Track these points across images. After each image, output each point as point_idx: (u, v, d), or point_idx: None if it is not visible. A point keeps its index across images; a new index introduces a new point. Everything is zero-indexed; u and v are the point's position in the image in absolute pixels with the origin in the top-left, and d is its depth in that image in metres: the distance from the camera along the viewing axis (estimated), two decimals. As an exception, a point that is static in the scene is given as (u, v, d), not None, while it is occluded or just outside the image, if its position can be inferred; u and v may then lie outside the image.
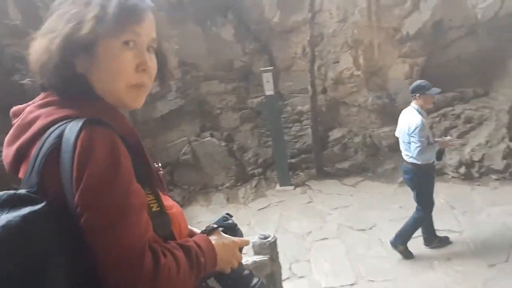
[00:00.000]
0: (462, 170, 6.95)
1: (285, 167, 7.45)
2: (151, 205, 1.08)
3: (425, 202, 4.84)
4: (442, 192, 6.39)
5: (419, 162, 4.63)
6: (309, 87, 7.31)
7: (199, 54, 8.11)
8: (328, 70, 8.06)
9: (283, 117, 8.11)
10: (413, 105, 4.75)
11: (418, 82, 4.82)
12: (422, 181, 4.76)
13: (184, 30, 7.69)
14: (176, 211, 1.22)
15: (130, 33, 1.08)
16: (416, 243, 5.06)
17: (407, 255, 4.97)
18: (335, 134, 8.03)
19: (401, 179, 7.00)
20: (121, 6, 1.06)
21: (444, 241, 5.19)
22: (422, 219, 4.92)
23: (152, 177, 1.14)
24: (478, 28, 7.72)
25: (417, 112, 4.67)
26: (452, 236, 5.28)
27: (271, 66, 7.65)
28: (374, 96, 7.84)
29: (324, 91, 8.12)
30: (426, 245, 5.12)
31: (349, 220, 6.08)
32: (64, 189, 0.96)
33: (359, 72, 7.81)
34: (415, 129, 4.53)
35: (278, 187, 7.44)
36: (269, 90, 7.09)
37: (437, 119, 7.65)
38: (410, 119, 4.64)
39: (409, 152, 4.68)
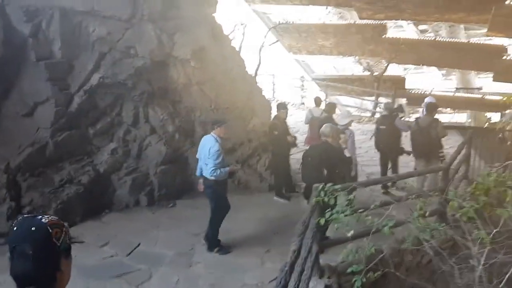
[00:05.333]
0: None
1: None
2: None
3: (223, 206, 6.26)
4: None
5: (217, 179, 5.98)
6: None
7: None
8: None
9: None
10: (213, 134, 6.05)
11: (219, 117, 6.51)
12: (220, 192, 6.21)
13: None
14: None
15: None
16: None
17: (225, 250, 6.33)
18: None
19: None
20: None
21: (225, 250, 6.35)
22: (218, 219, 6.27)
23: None
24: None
25: (215, 140, 5.95)
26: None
27: None
28: None
29: None
30: (209, 250, 6.30)
31: None
32: None
33: None
34: (214, 153, 5.84)
35: None
36: None
37: None
38: (210, 145, 5.91)
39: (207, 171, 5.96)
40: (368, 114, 17.30)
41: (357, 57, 19.19)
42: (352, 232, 3.78)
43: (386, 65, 17.95)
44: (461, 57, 18.03)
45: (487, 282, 3.28)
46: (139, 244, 6.60)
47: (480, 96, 18.27)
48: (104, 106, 8.45)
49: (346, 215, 3.76)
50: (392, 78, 19.41)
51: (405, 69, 24.74)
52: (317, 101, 10.59)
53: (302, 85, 19.77)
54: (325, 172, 6.06)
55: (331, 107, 9.61)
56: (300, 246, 4.07)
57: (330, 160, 6.17)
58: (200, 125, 9.08)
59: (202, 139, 6.28)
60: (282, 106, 8.77)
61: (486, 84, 20.67)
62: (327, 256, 5.72)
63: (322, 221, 4.20)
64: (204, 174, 6.20)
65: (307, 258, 4.39)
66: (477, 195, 3.41)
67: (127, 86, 8.34)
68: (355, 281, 3.62)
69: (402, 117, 9.47)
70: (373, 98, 17.97)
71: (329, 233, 5.85)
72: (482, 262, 3.25)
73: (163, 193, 8.35)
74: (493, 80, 17.79)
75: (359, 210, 3.96)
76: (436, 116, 8.28)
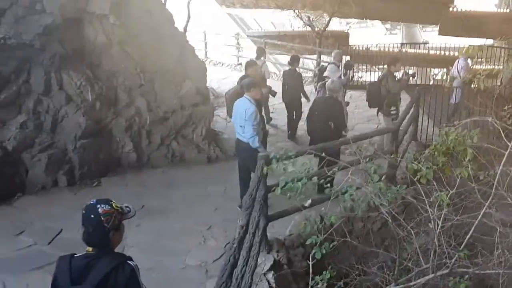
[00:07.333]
0: None
1: None
2: None
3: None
4: None
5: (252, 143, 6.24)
6: None
7: None
8: None
9: None
10: (247, 96, 6.35)
11: (250, 79, 6.69)
12: (256, 154, 6.09)
13: None
14: None
15: None
16: None
17: None
18: None
19: None
20: None
21: None
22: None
23: None
24: None
25: (250, 102, 6.27)
26: None
27: None
28: None
29: None
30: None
31: None
32: None
33: None
34: (251, 115, 6.15)
35: None
36: None
37: None
38: (246, 107, 6.22)
39: (245, 134, 6.27)
40: (311, 74, 17.47)
41: (297, 11, 19.18)
42: (310, 201, 3.87)
43: (328, 19, 18.15)
44: (407, 9, 18.63)
45: (446, 245, 3.53)
46: (61, 231, 6.39)
47: (426, 51, 19.07)
48: (8, 72, 7.89)
49: (303, 184, 3.84)
50: (334, 33, 19.68)
51: (347, 23, 25.29)
52: (259, 52, 10.77)
53: (238, 43, 19.60)
54: (332, 125, 7.00)
55: (295, 59, 10.05)
56: (247, 220, 4.14)
57: (336, 114, 7.14)
58: (124, 91, 8.78)
59: (236, 102, 6.61)
60: (252, 63, 8.54)
61: (431, 39, 21.64)
62: (273, 230, 5.88)
63: (278, 191, 4.28)
64: (239, 137, 6.54)
65: (255, 233, 4.49)
66: (436, 156, 3.60)
67: (35, 48, 7.82)
68: (315, 252, 3.75)
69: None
70: (315, 56, 18.15)
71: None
72: (440, 225, 3.48)
73: (85, 171, 8.07)
74: (439, 34, 18.62)
75: (314, 178, 4.06)
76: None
